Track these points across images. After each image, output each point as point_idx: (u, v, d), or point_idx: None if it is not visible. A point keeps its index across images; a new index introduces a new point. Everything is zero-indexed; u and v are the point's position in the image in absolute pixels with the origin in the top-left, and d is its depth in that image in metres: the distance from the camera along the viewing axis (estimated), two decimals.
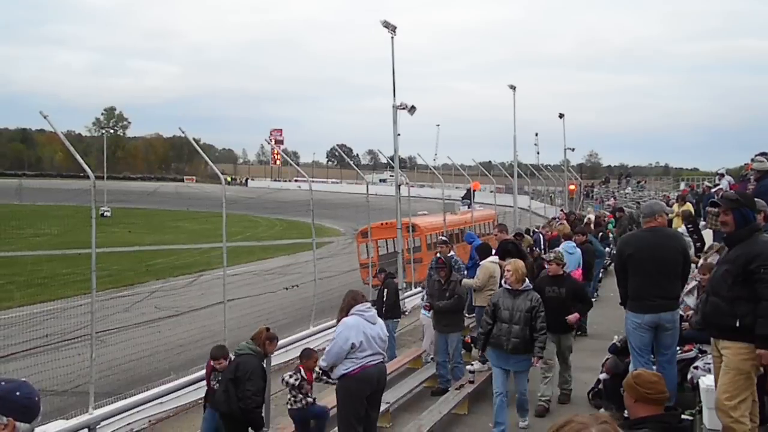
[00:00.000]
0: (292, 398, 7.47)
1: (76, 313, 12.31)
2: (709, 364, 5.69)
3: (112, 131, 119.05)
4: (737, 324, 4.74)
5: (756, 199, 5.85)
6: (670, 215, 18.37)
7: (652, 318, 6.42)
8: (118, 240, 32.47)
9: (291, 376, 7.46)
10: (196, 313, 17.92)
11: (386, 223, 21.71)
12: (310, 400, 7.45)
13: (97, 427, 7.12)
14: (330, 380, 6.76)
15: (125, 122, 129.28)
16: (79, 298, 13.53)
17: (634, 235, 7.10)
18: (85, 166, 8.83)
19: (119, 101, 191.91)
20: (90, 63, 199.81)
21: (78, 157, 8.82)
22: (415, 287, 17.77)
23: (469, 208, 27.61)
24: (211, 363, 7.25)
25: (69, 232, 28.34)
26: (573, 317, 8.15)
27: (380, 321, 6.76)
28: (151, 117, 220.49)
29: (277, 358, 10.30)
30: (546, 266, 8.59)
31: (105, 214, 45.01)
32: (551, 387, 8.28)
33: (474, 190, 29.81)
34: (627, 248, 6.75)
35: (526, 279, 7.42)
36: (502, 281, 7.56)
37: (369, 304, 6.71)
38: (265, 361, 7.11)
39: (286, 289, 20.28)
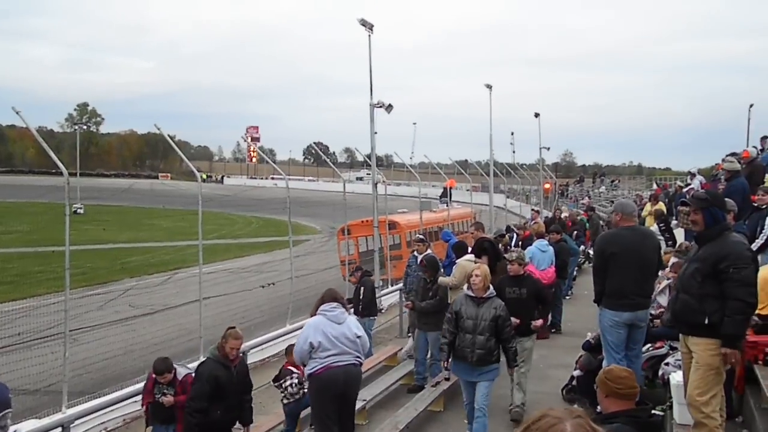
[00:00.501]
0: (290, 394, 7.53)
1: (49, 311, 12.17)
2: (680, 360, 5.80)
3: (85, 127, 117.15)
4: (706, 321, 4.84)
5: (726, 199, 5.99)
6: (643, 214, 18.75)
7: (630, 316, 6.57)
8: (92, 237, 32.12)
9: (290, 385, 7.51)
10: (172, 311, 17.81)
11: (366, 221, 21.76)
12: (305, 390, 7.50)
13: (71, 426, 7.01)
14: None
15: (99, 118, 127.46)
16: (52, 296, 13.38)
17: (615, 233, 6.99)
18: (59, 163, 8.70)
19: (92, 97, 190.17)
20: (62, 58, 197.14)
21: (51, 153, 8.68)
22: (392, 285, 17.81)
23: (447, 206, 27.74)
24: (153, 376, 6.84)
25: (41, 230, 27.94)
26: (538, 323, 7.96)
27: (350, 321, 6.63)
28: (125, 113, 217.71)
29: (253, 356, 10.28)
30: (509, 266, 8.25)
31: (78, 211, 44.42)
32: (521, 391, 7.96)
33: (450, 188, 29.97)
34: (610, 246, 6.76)
35: (491, 286, 7.06)
36: (465, 288, 7.14)
37: (336, 304, 6.57)
38: (234, 363, 6.57)
39: (263, 287, 20.23)
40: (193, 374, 6.68)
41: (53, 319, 11.79)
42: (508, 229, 17.71)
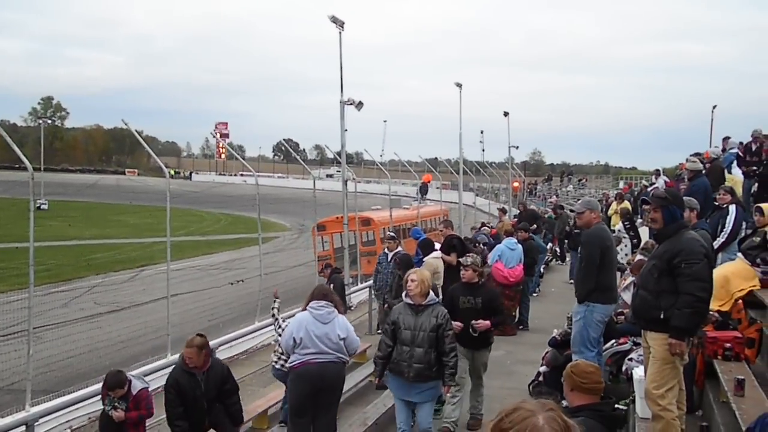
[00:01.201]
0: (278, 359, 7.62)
1: (12, 308, 11.96)
2: (642, 356, 5.92)
3: (49, 121, 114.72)
4: (662, 316, 4.94)
5: (687, 198, 6.17)
6: (609, 212, 19.09)
7: (614, 308, 6.85)
8: (56, 234, 31.52)
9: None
10: (138, 308, 17.60)
11: (340, 218, 21.80)
12: None
13: (35, 424, 6.92)
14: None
15: (63, 112, 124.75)
16: (15, 293, 13.15)
17: (604, 228, 7.14)
18: (23, 157, 8.53)
19: (57, 91, 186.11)
20: (27, 51, 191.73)
21: (15, 147, 8.50)
22: (362, 282, 17.83)
23: (421, 202, 27.90)
24: (106, 391, 6.50)
25: (4, 226, 27.43)
26: (483, 324, 6.99)
27: (337, 321, 6.38)
28: (91, 108, 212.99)
29: (221, 354, 10.22)
30: (462, 271, 7.44)
31: (42, 206, 43.47)
32: (459, 408, 7.20)
33: (427, 183, 30.13)
34: (606, 241, 6.98)
35: (431, 292, 6.32)
36: (403, 294, 6.44)
37: (324, 303, 6.39)
38: (202, 370, 6.47)
39: (232, 284, 20.10)
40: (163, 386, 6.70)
41: (16, 316, 11.59)
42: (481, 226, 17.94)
